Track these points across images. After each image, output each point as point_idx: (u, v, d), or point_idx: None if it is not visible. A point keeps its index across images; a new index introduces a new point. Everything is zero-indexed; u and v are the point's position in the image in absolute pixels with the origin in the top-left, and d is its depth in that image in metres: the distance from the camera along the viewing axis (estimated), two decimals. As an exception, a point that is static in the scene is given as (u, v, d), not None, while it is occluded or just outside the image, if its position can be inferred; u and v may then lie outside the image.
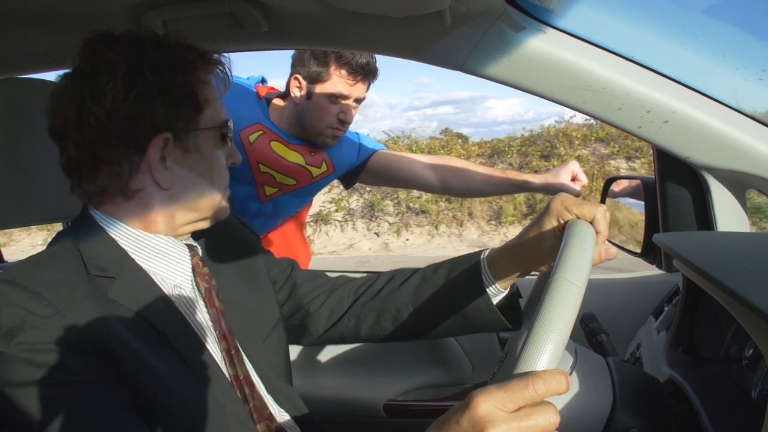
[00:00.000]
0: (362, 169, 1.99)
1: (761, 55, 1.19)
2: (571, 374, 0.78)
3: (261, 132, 1.85)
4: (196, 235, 0.99)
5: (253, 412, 0.91)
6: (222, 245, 1.05)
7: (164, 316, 0.85)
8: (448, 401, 1.61)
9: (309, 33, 1.21)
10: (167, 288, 0.89)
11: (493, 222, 9.03)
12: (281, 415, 0.97)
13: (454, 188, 1.96)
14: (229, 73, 0.96)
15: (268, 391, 0.98)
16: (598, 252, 0.82)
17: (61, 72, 0.91)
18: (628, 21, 1.19)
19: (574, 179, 1.75)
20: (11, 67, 1.31)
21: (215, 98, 0.93)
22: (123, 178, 0.86)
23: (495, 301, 0.96)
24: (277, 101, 1.89)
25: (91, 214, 0.90)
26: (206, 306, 0.93)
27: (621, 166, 8.80)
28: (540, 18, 1.10)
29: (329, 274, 1.18)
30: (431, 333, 1.06)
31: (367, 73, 1.73)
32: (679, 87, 1.09)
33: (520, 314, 0.98)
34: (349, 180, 2.05)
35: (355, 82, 1.73)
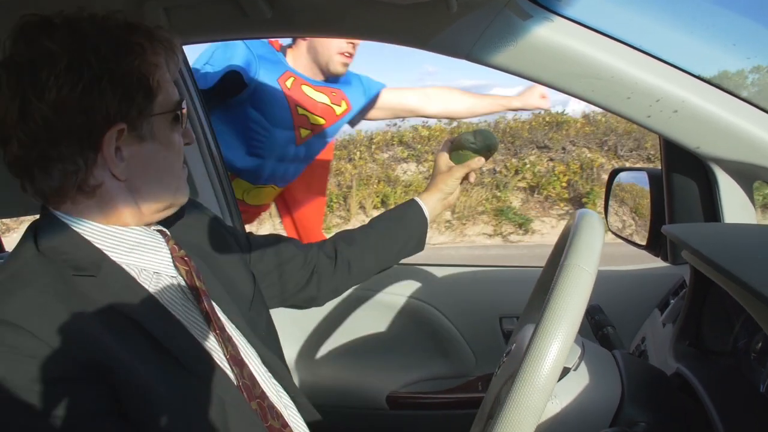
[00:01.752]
0: (371, 106, 2.25)
1: (773, 44, 1.18)
2: (578, 366, 0.77)
3: (292, 78, 2.02)
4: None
5: (243, 391, 0.88)
6: (182, 226, 1.02)
7: (151, 316, 0.82)
8: (451, 394, 1.60)
9: (313, 20, 1.20)
10: (148, 280, 0.86)
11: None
12: (273, 391, 0.96)
13: (457, 110, 2.32)
14: (178, 53, 0.92)
15: (263, 364, 0.97)
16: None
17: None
18: (637, 9, 1.17)
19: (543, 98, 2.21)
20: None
21: (166, 80, 0.87)
22: (79, 175, 0.80)
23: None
24: (291, 50, 2.07)
25: (53, 214, 0.84)
26: (189, 288, 0.91)
27: (410, 168, 9.70)
28: (547, 6, 1.08)
29: None
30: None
31: None
32: (689, 77, 1.08)
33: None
34: (356, 119, 2.28)
35: None
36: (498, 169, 9.21)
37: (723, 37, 1.14)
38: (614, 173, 1.52)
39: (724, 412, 0.73)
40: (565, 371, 0.76)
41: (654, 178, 1.34)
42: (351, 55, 2.03)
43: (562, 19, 1.08)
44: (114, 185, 0.83)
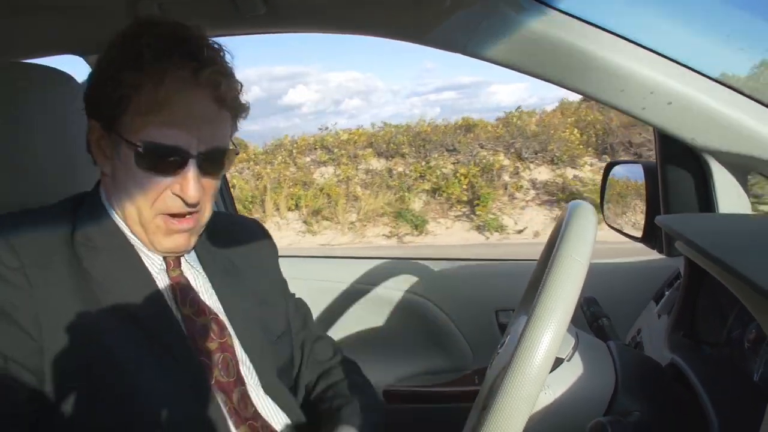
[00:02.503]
0: None
1: (766, 35, 1.18)
2: (572, 357, 0.78)
3: None
4: (211, 228, 0.95)
5: (230, 414, 0.87)
6: (239, 247, 1.04)
7: (139, 298, 0.84)
8: (447, 387, 1.61)
9: (307, 16, 1.20)
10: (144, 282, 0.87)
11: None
12: (272, 417, 0.94)
13: None
14: (208, 77, 0.81)
15: (265, 392, 0.95)
16: None
17: (57, 57, 0.90)
18: (631, 2, 1.17)
19: None
20: (12, 52, 1.29)
21: (150, 112, 0.80)
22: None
23: None
24: None
25: (98, 188, 0.91)
26: (177, 306, 0.89)
27: (327, 171, 10.13)
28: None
29: None
30: None
31: None
32: (682, 69, 1.08)
33: None
34: None
35: None
36: (407, 172, 9.62)
37: (717, 28, 1.14)
38: (609, 166, 1.52)
39: (718, 401, 0.73)
40: (559, 362, 0.76)
41: (649, 170, 1.34)
42: None
43: (556, 12, 1.08)
44: (105, 172, 0.88)
